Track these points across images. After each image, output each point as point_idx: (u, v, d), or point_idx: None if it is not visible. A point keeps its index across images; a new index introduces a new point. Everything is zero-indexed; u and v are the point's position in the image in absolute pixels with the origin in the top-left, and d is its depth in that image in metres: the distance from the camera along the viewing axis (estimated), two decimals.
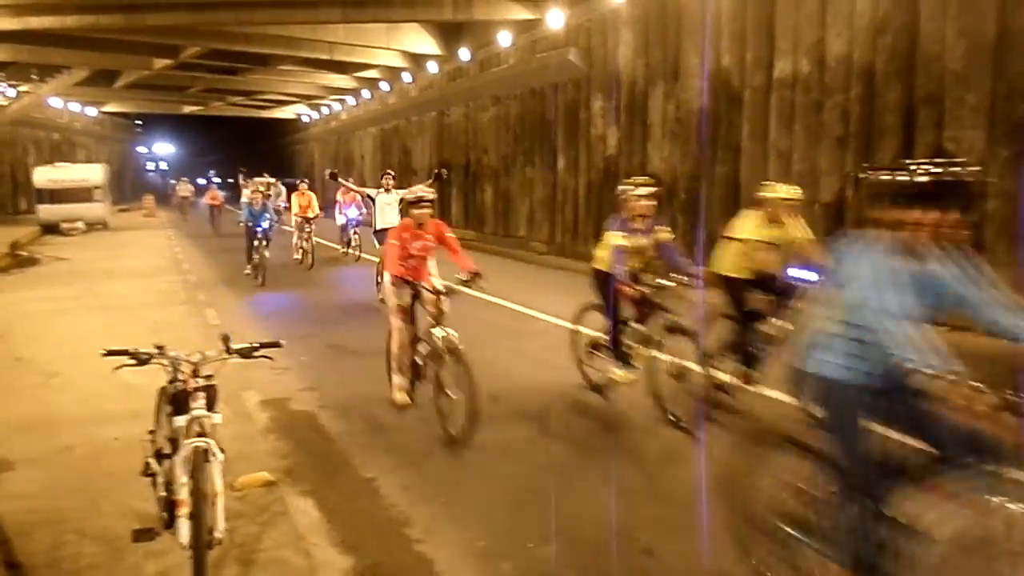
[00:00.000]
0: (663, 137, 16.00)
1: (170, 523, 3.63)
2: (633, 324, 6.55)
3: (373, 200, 12.08)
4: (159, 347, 3.72)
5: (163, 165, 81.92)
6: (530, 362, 8.53)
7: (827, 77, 12.17)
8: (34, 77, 33.06)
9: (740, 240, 6.40)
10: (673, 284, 6.34)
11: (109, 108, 48.59)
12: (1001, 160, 9.80)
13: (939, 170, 2.96)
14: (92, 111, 46.61)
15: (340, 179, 12.93)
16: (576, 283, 14.70)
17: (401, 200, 8.89)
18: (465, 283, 6.26)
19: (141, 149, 79.66)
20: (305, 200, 18.09)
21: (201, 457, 3.45)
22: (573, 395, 7.13)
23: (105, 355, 3.70)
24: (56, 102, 39.22)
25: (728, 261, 6.54)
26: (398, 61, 28.80)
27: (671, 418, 6.06)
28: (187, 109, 52.35)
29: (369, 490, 5.03)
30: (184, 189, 38.82)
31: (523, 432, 6.22)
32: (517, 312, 11.51)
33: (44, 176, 29.17)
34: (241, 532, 4.27)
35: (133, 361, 3.67)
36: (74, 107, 42.74)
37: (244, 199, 18.21)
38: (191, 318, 11.00)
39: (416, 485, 5.08)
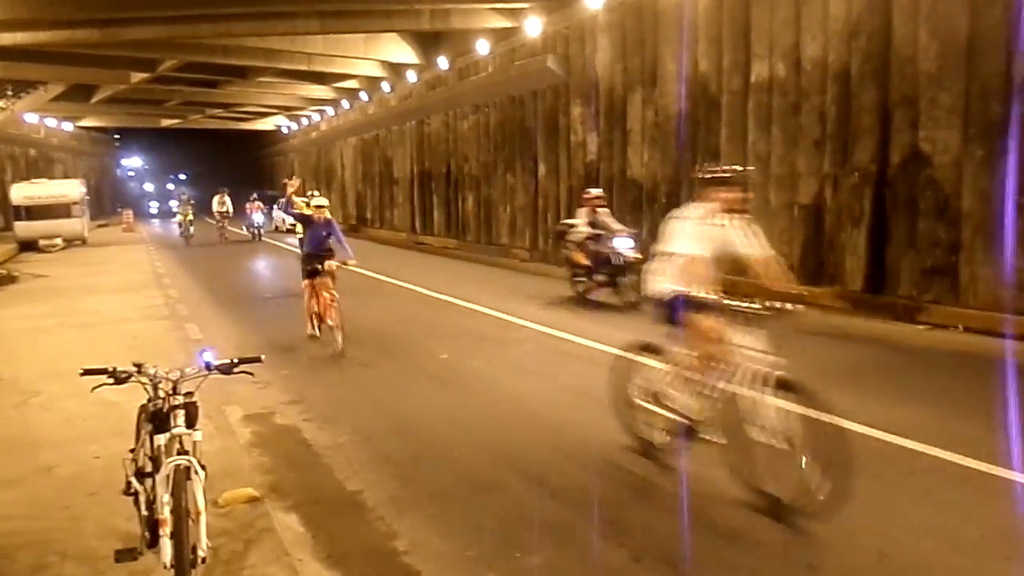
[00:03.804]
0: (642, 142, 16.08)
1: (153, 542, 3.59)
2: None
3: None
4: (138, 365, 3.68)
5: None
6: (514, 371, 8.53)
7: (803, 80, 12.27)
8: (9, 93, 32.77)
9: None
10: None
11: (86, 123, 48.26)
12: (976, 160, 9.90)
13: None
14: (69, 126, 46.27)
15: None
16: (558, 289, 14.80)
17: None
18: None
19: (169, 186, 72.40)
20: None
21: (182, 475, 3.41)
22: (556, 403, 7.15)
23: (83, 374, 3.66)
24: (32, 117, 38.88)
25: None
26: (377, 71, 28.80)
27: None
28: (165, 122, 52.09)
29: (355, 503, 5.00)
30: (220, 198, 30.46)
31: (507, 442, 6.21)
32: (501, 320, 11.50)
33: (21, 193, 28.90)
34: (226, 549, 4.23)
35: (111, 380, 3.63)
36: (50, 122, 42.38)
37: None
38: (172, 333, 10.92)
39: (402, 498, 5.06)
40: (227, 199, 30.05)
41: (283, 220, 33.13)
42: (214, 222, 30.23)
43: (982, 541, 4.27)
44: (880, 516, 4.55)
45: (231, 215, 30.38)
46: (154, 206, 59.81)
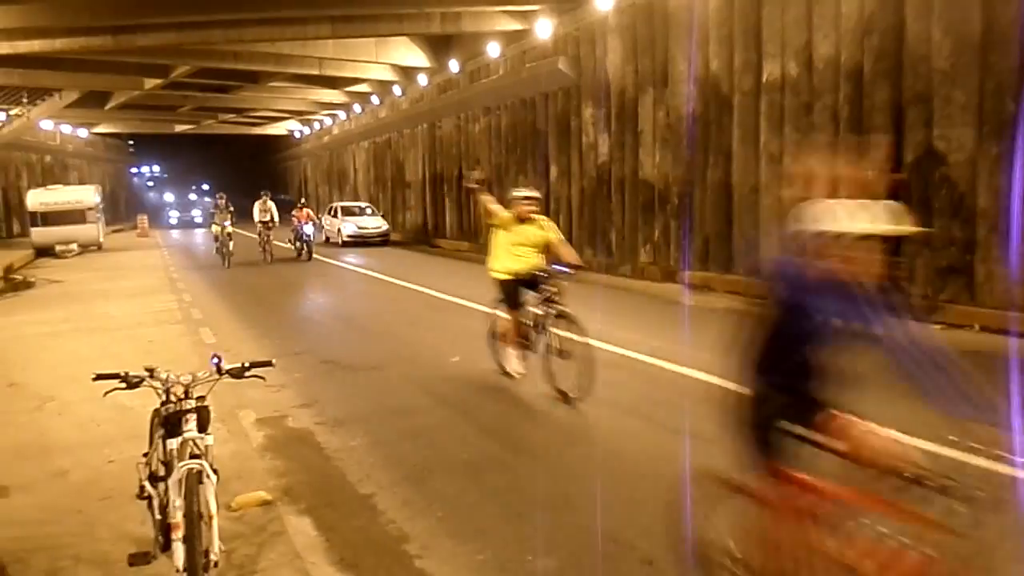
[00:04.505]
0: (654, 143, 16.04)
1: (166, 546, 3.60)
2: None
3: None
4: (149, 369, 3.69)
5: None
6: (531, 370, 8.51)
7: (815, 79, 12.20)
8: (24, 100, 33.07)
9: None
10: None
11: (101, 129, 48.62)
12: (991, 157, 9.82)
13: None
14: (84, 132, 46.62)
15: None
16: (570, 292, 14.76)
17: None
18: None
19: (191, 196, 67.23)
20: None
21: (194, 479, 3.42)
22: (570, 409, 7.13)
23: (95, 379, 3.67)
24: (47, 124, 39.21)
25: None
26: (388, 74, 28.88)
27: None
28: (179, 128, 52.37)
29: (367, 507, 5.00)
30: (262, 203, 23.24)
31: (521, 446, 6.20)
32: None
33: (37, 199, 29.16)
34: (239, 553, 4.23)
35: (123, 385, 3.65)
36: (66, 129, 42.74)
37: None
38: (186, 337, 10.96)
39: (415, 500, 5.05)
40: (271, 204, 23.38)
41: (338, 231, 28.07)
42: (256, 235, 23.38)
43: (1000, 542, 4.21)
44: None
45: (276, 224, 23.53)
46: (174, 216, 52.05)
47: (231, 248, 21.50)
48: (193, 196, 71.48)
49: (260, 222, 22.92)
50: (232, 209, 22.46)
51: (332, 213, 29.80)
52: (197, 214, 49.07)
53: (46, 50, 21.32)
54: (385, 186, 34.45)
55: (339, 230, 28.19)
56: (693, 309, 12.29)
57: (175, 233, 42.50)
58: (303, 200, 26.39)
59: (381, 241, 27.79)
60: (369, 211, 30.20)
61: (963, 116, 10.12)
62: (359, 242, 27.35)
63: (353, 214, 29.27)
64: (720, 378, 7.51)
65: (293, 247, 24.17)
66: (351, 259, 23.24)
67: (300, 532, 4.56)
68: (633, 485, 5.15)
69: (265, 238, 22.74)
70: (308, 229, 23.44)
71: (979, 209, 10.01)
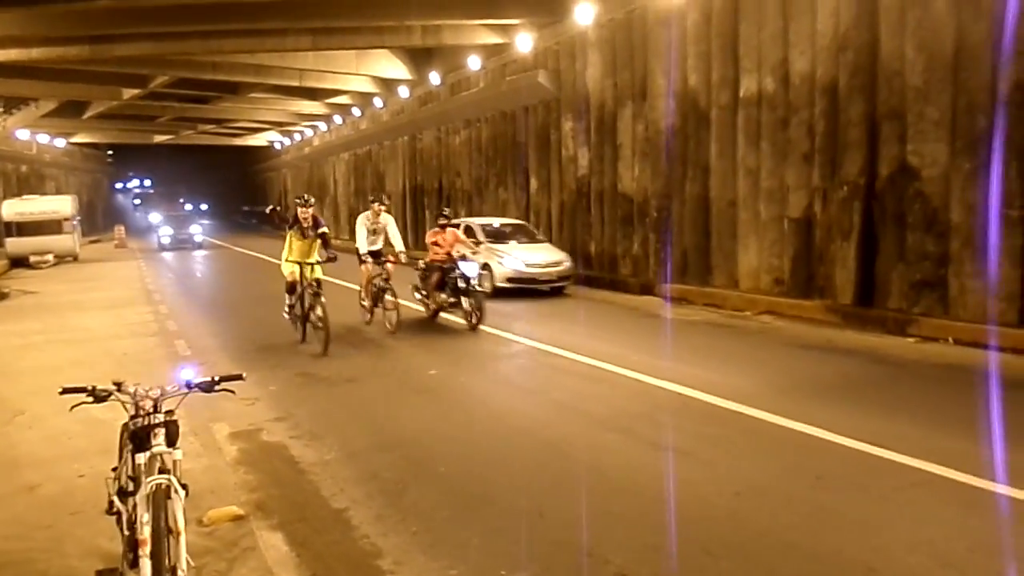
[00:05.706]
0: (633, 157, 16.13)
1: (135, 562, 3.54)
2: None
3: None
4: (117, 383, 3.65)
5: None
6: (506, 386, 8.51)
7: (792, 94, 12.34)
8: (0, 109, 32.75)
9: None
10: None
11: (78, 139, 48.24)
12: (963, 172, 9.96)
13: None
14: (61, 142, 46.21)
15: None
16: (552, 306, 14.81)
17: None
18: None
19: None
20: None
21: (162, 494, 3.38)
22: (544, 418, 7.12)
23: (62, 393, 3.63)
24: (23, 134, 38.83)
25: None
26: (369, 86, 28.90)
27: None
28: (158, 138, 52.09)
29: (340, 521, 4.96)
30: (372, 215, 12.30)
31: (495, 460, 6.18)
32: (492, 336, 11.47)
33: (12, 209, 28.83)
34: (210, 568, 4.19)
35: (91, 399, 3.61)
36: (42, 138, 42.34)
37: None
38: (161, 349, 10.86)
39: (388, 515, 5.01)
40: (387, 220, 12.55)
41: (487, 269, 15.10)
42: (369, 286, 12.33)
43: (970, 555, 4.26)
44: (868, 530, 4.53)
45: (401, 260, 12.28)
46: (166, 234, 35.84)
47: (322, 313, 10.33)
48: (187, 209, 54.01)
49: (369, 253, 12.36)
50: (325, 231, 10.94)
51: (489, 233, 17.03)
52: (197, 231, 36.37)
53: (22, 59, 21.16)
54: (365, 198, 34.37)
55: (489, 268, 15.61)
56: (671, 322, 12.35)
57: (168, 257, 30.86)
58: (445, 211, 14.21)
59: (555, 288, 16.03)
60: (526, 236, 17.51)
61: (936, 132, 10.26)
62: (522, 289, 15.55)
63: (504, 238, 16.98)
64: (697, 391, 7.61)
65: (424, 302, 12.94)
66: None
67: (272, 547, 4.52)
68: (609, 499, 5.15)
69: (382, 285, 11.97)
70: (470, 269, 12.26)
71: (952, 223, 10.14)
